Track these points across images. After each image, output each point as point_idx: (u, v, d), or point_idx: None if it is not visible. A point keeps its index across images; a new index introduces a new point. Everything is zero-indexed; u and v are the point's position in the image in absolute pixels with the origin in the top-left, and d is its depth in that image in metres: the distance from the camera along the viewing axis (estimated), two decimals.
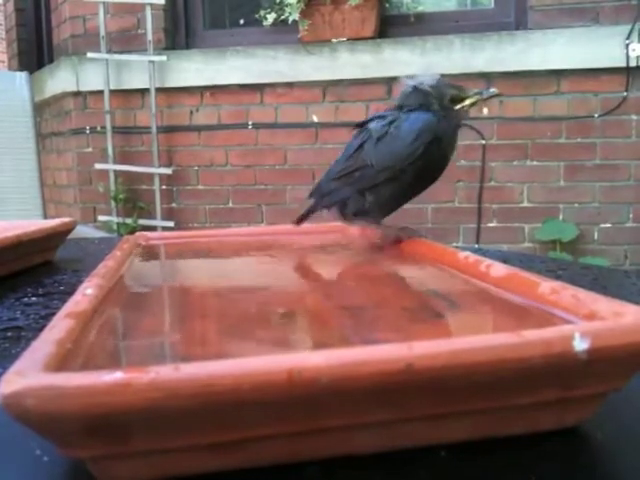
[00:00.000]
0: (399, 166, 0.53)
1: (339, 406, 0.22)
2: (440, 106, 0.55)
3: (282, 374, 0.20)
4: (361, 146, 0.56)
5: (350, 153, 0.57)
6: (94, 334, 0.28)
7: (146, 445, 0.21)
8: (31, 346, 0.23)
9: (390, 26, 2.41)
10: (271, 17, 2.43)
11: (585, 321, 0.27)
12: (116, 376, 0.19)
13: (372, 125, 0.56)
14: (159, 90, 2.45)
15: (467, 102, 0.56)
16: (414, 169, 0.53)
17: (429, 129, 0.53)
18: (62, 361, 0.23)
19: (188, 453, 0.21)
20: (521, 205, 2.28)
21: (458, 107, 0.55)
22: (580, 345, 0.22)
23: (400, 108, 0.56)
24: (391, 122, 0.55)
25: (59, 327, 0.26)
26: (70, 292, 0.33)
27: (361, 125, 0.59)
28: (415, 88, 0.57)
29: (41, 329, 0.26)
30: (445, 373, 0.21)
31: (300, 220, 0.61)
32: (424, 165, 0.53)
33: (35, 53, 3.37)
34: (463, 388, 0.22)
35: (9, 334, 0.41)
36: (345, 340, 0.30)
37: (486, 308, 0.34)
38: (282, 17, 2.38)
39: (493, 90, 0.57)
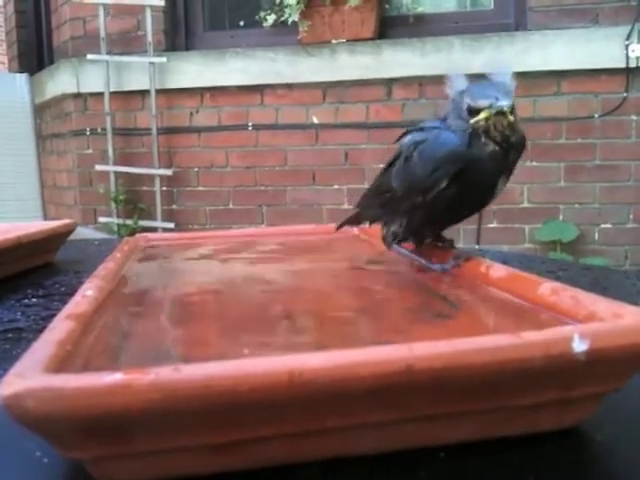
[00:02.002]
0: (421, 197, 0.45)
1: (339, 407, 0.22)
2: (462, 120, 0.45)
3: (283, 375, 0.20)
4: (392, 163, 0.49)
5: (383, 169, 0.50)
6: (94, 335, 0.28)
7: (146, 446, 0.21)
8: (31, 347, 0.23)
9: (390, 27, 2.41)
10: (271, 18, 2.43)
11: (584, 322, 0.27)
12: (116, 377, 0.19)
13: (405, 140, 0.49)
14: (159, 92, 2.45)
15: (482, 116, 0.44)
16: (445, 199, 0.44)
17: (454, 159, 0.44)
18: (62, 362, 0.23)
19: (188, 454, 0.22)
20: (521, 206, 2.28)
21: (473, 121, 0.44)
22: (579, 346, 0.22)
23: (444, 120, 0.48)
24: (421, 141, 0.47)
25: (59, 328, 0.26)
26: (71, 293, 0.33)
27: (405, 133, 0.50)
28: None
29: (42, 330, 0.26)
30: (445, 374, 0.21)
31: (340, 226, 0.60)
32: (458, 194, 0.44)
33: (35, 55, 3.37)
34: (463, 389, 0.22)
35: (10, 335, 0.41)
36: (346, 341, 0.30)
37: (486, 309, 0.34)
38: (282, 18, 2.38)
39: (502, 104, 0.44)
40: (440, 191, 0.44)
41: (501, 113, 0.44)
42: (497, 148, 0.45)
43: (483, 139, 0.44)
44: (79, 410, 0.19)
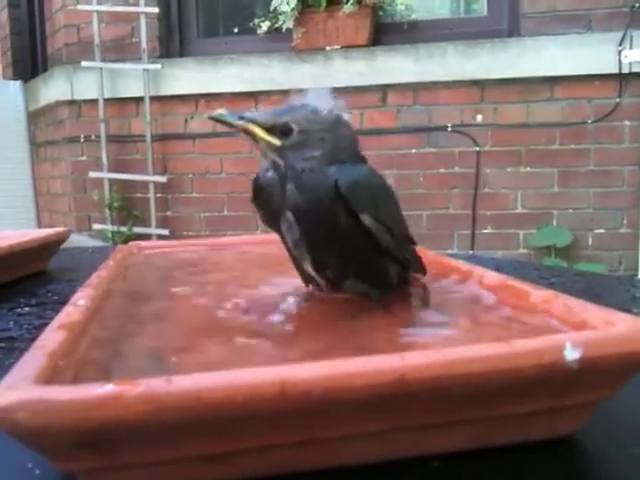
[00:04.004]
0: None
1: (332, 417, 0.22)
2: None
3: (275, 386, 0.20)
4: None
5: None
6: (86, 346, 0.28)
7: (137, 457, 0.21)
8: (22, 358, 0.23)
9: (384, 34, 2.42)
10: (265, 25, 2.44)
11: (576, 330, 0.27)
12: (107, 389, 0.19)
13: None
14: (153, 98, 2.45)
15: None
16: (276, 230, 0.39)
17: (255, 182, 0.39)
18: (53, 374, 0.23)
19: (180, 465, 0.21)
20: (515, 211, 2.29)
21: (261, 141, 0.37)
22: (571, 355, 0.22)
23: None
24: None
25: (51, 339, 0.26)
26: (64, 302, 0.33)
27: None
28: None
29: (34, 339, 0.25)
30: (437, 384, 0.21)
31: None
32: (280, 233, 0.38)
33: (29, 62, 3.37)
34: (455, 398, 0.22)
35: (2, 345, 0.41)
36: (338, 351, 0.30)
37: (478, 317, 0.34)
38: (276, 25, 2.39)
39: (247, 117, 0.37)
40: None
41: (244, 130, 0.37)
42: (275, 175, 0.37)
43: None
44: (70, 422, 0.19)
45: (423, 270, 0.42)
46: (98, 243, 2.32)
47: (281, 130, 0.36)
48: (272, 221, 0.38)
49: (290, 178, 0.36)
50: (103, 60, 2.49)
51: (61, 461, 0.21)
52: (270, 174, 0.37)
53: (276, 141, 0.36)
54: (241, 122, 0.36)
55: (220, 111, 0.37)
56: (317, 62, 2.35)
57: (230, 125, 0.36)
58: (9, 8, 3.35)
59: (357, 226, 0.35)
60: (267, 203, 0.38)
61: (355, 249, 0.36)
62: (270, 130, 0.36)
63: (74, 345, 0.27)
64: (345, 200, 0.34)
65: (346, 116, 0.39)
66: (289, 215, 0.36)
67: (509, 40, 2.28)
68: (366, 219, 0.35)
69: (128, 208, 2.54)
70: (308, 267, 0.38)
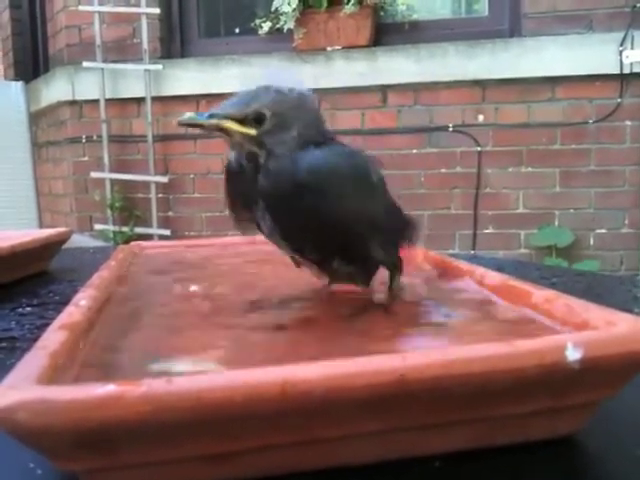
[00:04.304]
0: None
1: (333, 417, 0.22)
2: None
3: (276, 386, 0.20)
4: None
5: None
6: (87, 346, 0.28)
7: (138, 458, 0.21)
8: (23, 359, 0.23)
9: (385, 34, 2.42)
10: (266, 26, 2.44)
11: (578, 330, 0.27)
12: (108, 389, 0.19)
13: None
14: (155, 99, 2.45)
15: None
16: None
17: (228, 170, 0.38)
18: (55, 374, 0.23)
19: (181, 465, 0.21)
20: (517, 211, 2.29)
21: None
22: (573, 355, 0.22)
23: None
24: None
25: (52, 339, 0.26)
26: (65, 302, 0.33)
27: None
28: None
29: (36, 340, 0.26)
30: (438, 384, 0.21)
31: None
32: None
33: (31, 62, 3.37)
34: (456, 398, 0.22)
35: (3, 345, 0.41)
36: (339, 351, 0.30)
37: (479, 317, 0.34)
38: (277, 26, 2.39)
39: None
40: None
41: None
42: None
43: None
44: (72, 422, 0.19)
45: (400, 269, 0.40)
46: (99, 243, 2.32)
47: (254, 118, 0.35)
48: (245, 209, 0.37)
49: (266, 165, 0.35)
50: (104, 61, 2.49)
51: (62, 461, 0.21)
52: (243, 162, 0.36)
53: (252, 131, 0.35)
54: (214, 121, 0.35)
55: (189, 114, 0.36)
56: (318, 62, 2.35)
57: (202, 126, 0.35)
58: (11, 9, 3.35)
59: (324, 212, 0.34)
60: (240, 191, 0.37)
61: (327, 234, 0.35)
62: (243, 121, 0.35)
63: (75, 345, 0.27)
64: (306, 186, 0.33)
65: (306, 91, 0.37)
66: (261, 203, 0.36)
67: (510, 40, 2.28)
68: (328, 205, 0.34)
69: (129, 208, 2.54)
70: (289, 252, 0.38)
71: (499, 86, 2.25)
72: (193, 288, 0.45)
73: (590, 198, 2.25)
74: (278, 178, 0.34)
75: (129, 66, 2.47)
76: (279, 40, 2.43)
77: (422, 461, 0.24)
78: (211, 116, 0.35)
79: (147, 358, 0.28)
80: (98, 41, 2.48)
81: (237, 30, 2.63)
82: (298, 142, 0.35)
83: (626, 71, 2.14)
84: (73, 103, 2.58)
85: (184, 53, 2.62)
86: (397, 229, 0.39)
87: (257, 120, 0.35)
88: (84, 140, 2.59)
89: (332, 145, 0.37)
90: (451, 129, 2.29)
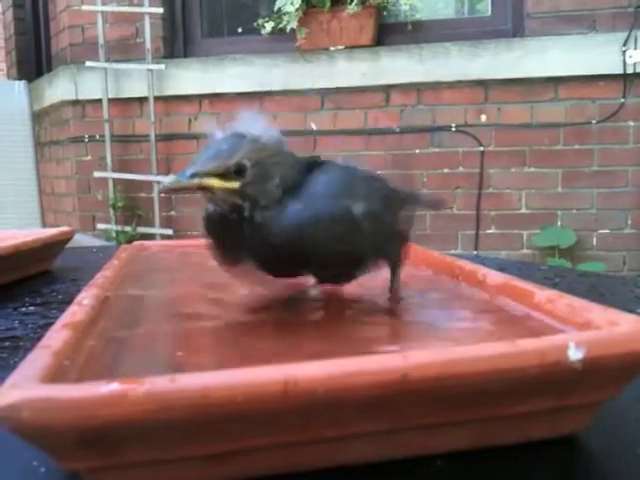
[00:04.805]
0: None
1: (335, 416, 0.22)
2: None
3: (278, 385, 0.20)
4: None
5: None
6: (91, 345, 0.28)
7: (142, 456, 0.21)
8: (27, 357, 0.23)
9: (388, 34, 2.42)
10: (269, 25, 2.44)
11: (580, 330, 0.27)
12: (112, 387, 0.19)
13: None
14: (157, 98, 2.46)
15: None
16: None
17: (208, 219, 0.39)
18: (58, 372, 0.23)
19: (183, 464, 0.22)
20: (519, 211, 2.29)
21: None
22: (575, 355, 0.22)
23: None
24: None
25: (55, 338, 0.26)
26: (68, 301, 0.33)
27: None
28: None
29: (39, 339, 0.26)
30: (440, 383, 0.21)
31: None
32: None
33: (34, 62, 3.37)
34: (458, 397, 0.22)
35: (7, 344, 0.41)
36: (341, 350, 0.30)
37: (482, 317, 0.34)
38: (280, 26, 2.39)
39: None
40: None
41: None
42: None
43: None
44: (75, 420, 0.19)
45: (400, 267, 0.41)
46: (102, 243, 2.32)
47: (235, 171, 0.34)
48: (231, 254, 0.37)
49: (252, 217, 0.34)
50: (107, 60, 2.49)
51: (65, 460, 0.21)
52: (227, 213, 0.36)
53: (234, 184, 0.34)
54: (196, 180, 0.34)
55: (169, 179, 0.35)
56: (321, 62, 2.35)
57: (187, 189, 0.34)
58: (14, 8, 3.36)
59: (313, 258, 0.34)
60: (224, 239, 0.37)
61: (317, 273, 0.37)
62: (224, 175, 0.34)
63: (79, 344, 0.27)
64: (293, 239, 0.34)
65: (277, 134, 0.37)
66: (248, 249, 0.36)
67: (513, 40, 2.27)
68: (316, 251, 0.34)
69: (132, 208, 2.54)
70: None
71: (502, 86, 2.24)
72: (196, 287, 0.45)
73: (593, 198, 2.24)
74: (265, 230, 0.34)
75: (132, 66, 2.47)
76: (282, 40, 2.43)
77: (424, 460, 0.24)
78: (193, 176, 0.34)
79: (151, 357, 0.28)
80: (101, 40, 2.48)
81: (240, 30, 2.64)
82: (281, 189, 0.35)
83: (629, 71, 2.14)
84: (76, 102, 2.58)
85: (187, 53, 2.62)
86: (398, 237, 0.39)
87: (238, 172, 0.34)
88: (87, 139, 2.59)
89: (315, 187, 0.35)
90: (454, 129, 2.29)
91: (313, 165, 0.37)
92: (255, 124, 0.37)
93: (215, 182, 0.34)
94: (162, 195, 0.41)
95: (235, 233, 0.35)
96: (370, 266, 0.37)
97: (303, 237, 0.33)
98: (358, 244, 0.35)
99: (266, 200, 0.34)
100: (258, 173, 0.34)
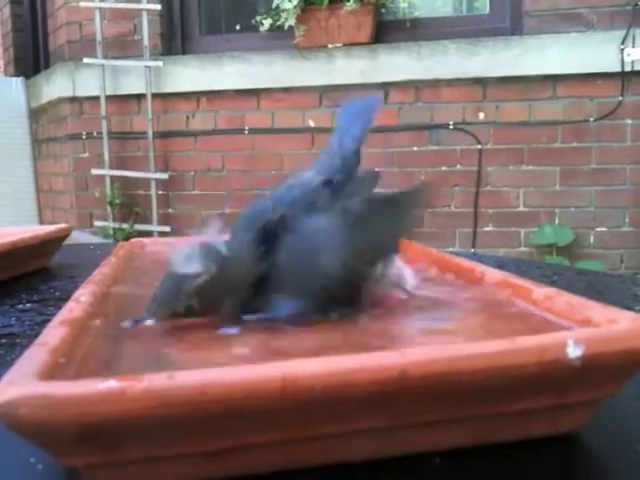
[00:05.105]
0: None
1: (333, 413, 0.22)
2: None
3: (276, 382, 0.20)
4: None
5: None
6: (88, 342, 0.28)
7: (140, 453, 0.21)
8: (24, 354, 0.23)
9: (386, 31, 2.41)
10: (267, 23, 2.43)
11: (579, 328, 0.27)
12: (110, 384, 0.19)
13: None
14: (155, 95, 2.45)
15: None
16: None
17: None
18: (55, 369, 0.23)
19: (182, 461, 0.21)
20: (517, 209, 2.29)
21: None
22: (574, 352, 0.22)
23: None
24: None
25: (53, 335, 0.26)
26: (66, 298, 0.33)
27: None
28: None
29: (36, 336, 0.26)
30: (439, 380, 0.21)
31: None
32: None
33: (31, 59, 3.37)
34: (457, 395, 0.22)
35: (4, 341, 0.41)
36: (339, 347, 0.30)
37: (480, 314, 0.34)
38: (278, 23, 2.39)
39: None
40: None
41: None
42: None
43: None
44: (72, 417, 0.19)
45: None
46: (100, 240, 2.32)
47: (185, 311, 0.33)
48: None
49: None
50: (105, 57, 2.49)
51: (63, 456, 0.21)
52: None
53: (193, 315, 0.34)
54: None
55: (127, 324, 0.32)
56: (319, 60, 2.34)
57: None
58: (11, 5, 3.35)
59: None
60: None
61: None
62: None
63: (76, 341, 0.27)
64: None
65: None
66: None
67: (511, 38, 2.27)
68: None
69: (130, 205, 2.54)
70: None
71: (500, 84, 2.24)
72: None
73: (591, 196, 2.25)
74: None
75: (130, 62, 2.47)
76: (280, 37, 2.43)
77: (422, 457, 0.24)
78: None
79: (148, 354, 0.28)
80: (99, 37, 2.48)
81: (238, 27, 2.63)
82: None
83: (627, 69, 2.14)
84: (73, 99, 2.58)
85: (185, 50, 2.61)
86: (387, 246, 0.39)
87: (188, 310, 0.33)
88: (84, 137, 2.59)
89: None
90: (452, 127, 2.29)
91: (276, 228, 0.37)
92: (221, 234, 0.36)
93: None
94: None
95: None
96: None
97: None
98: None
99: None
100: (208, 299, 0.33)
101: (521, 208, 2.29)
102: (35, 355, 0.23)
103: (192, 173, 2.51)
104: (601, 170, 2.23)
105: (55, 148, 2.81)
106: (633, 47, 2.13)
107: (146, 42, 2.44)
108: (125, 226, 2.50)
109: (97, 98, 2.48)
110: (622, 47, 2.13)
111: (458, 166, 2.30)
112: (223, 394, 0.20)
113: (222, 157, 2.47)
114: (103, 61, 2.46)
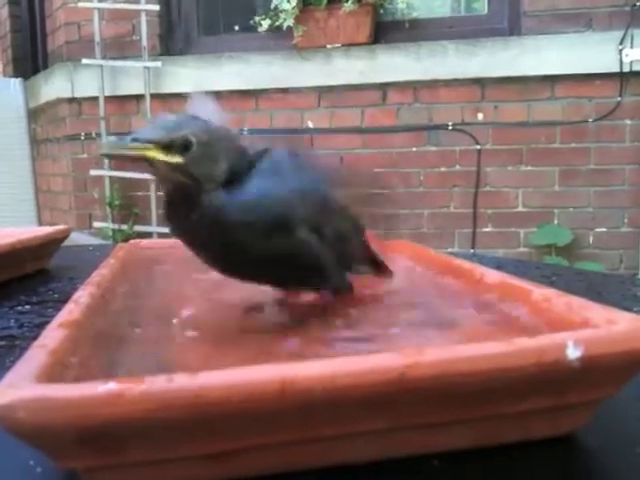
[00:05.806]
0: None
1: (332, 416, 0.22)
2: None
3: (275, 384, 0.20)
4: None
5: None
6: (87, 344, 0.28)
7: (139, 456, 0.21)
8: (23, 357, 0.23)
9: (385, 32, 2.41)
10: (266, 23, 2.43)
11: (578, 329, 0.27)
12: (109, 387, 0.19)
13: None
14: (154, 96, 2.45)
15: None
16: None
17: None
18: (54, 372, 0.23)
19: (181, 463, 0.21)
20: (516, 210, 2.29)
21: None
22: (573, 353, 0.22)
23: None
24: None
25: (52, 337, 0.25)
26: (65, 300, 0.33)
27: None
28: None
29: (35, 338, 0.25)
30: (438, 382, 0.21)
31: None
32: None
33: (30, 59, 3.36)
34: (456, 397, 0.22)
35: (2, 343, 0.41)
36: (337, 349, 0.30)
37: (479, 315, 0.34)
38: (277, 23, 2.39)
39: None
40: None
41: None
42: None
43: None
44: (72, 420, 0.19)
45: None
46: (99, 241, 2.32)
47: (180, 146, 0.32)
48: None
49: (196, 200, 0.33)
50: (104, 58, 2.48)
51: (62, 459, 0.21)
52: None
53: (178, 159, 0.32)
54: (138, 148, 0.32)
55: (110, 139, 0.34)
56: (318, 60, 2.34)
57: (126, 157, 0.33)
58: (9, 5, 3.34)
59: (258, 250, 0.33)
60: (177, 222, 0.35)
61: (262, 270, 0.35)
62: (168, 148, 0.32)
63: (75, 343, 0.27)
64: (238, 227, 0.32)
65: (227, 121, 0.36)
66: (199, 246, 0.35)
67: (510, 39, 2.27)
68: (262, 243, 0.32)
69: (129, 206, 2.54)
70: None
71: (499, 84, 2.24)
72: (191, 286, 0.45)
73: (589, 197, 2.25)
74: (210, 217, 0.32)
75: (128, 63, 2.47)
76: (279, 38, 2.43)
77: (421, 460, 0.24)
78: (134, 140, 0.32)
79: (147, 356, 0.28)
80: (97, 38, 2.48)
81: (237, 27, 2.63)
82: (225, 175, 0.33)
83: (626, 70, 2.14)
84: (72, 100, 2.57)
85: (183, 50, 2.61)
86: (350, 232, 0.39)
87: (183, 147, 0.32)
88: (83, 137, 2.58)
89: (261, 175, 0.34)
90: (450, 127, 2.29)
91: (260, 155, 0.36)
92: (206, 107, 0.37)
93: (157, 154, 0.32)
94: (101, 155, 0.39)
95: (184, 220, 0.34)
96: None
97: (249, 224, 0.32)
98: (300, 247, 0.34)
99: (210, 184, 0.32)
100: (204, 153, 0.33)
101: (520, 208, 2.29)
102: (34, 357, 0.23)
103: None
104: (600, 170, 2.23)
105: (54, 149, 2.80)
106: (631, 47, 2.13)
107: (145, 43, 2.44)
108: (124, 227, 2.50)
109: (96, 99, 2.48)
110: (620, 47, 2.13)
111: (457, 167, 2.30)
112: (222, 397, 0.19)
113: None
114: (102, 62, 2.46)
